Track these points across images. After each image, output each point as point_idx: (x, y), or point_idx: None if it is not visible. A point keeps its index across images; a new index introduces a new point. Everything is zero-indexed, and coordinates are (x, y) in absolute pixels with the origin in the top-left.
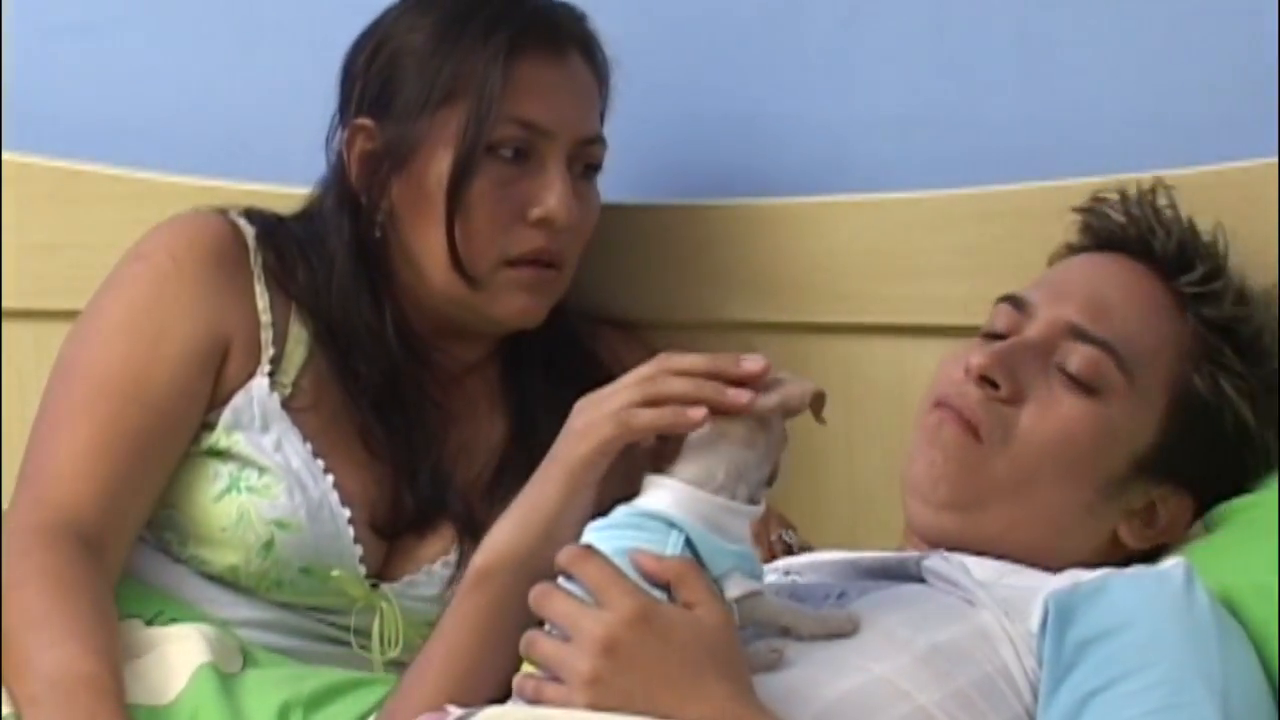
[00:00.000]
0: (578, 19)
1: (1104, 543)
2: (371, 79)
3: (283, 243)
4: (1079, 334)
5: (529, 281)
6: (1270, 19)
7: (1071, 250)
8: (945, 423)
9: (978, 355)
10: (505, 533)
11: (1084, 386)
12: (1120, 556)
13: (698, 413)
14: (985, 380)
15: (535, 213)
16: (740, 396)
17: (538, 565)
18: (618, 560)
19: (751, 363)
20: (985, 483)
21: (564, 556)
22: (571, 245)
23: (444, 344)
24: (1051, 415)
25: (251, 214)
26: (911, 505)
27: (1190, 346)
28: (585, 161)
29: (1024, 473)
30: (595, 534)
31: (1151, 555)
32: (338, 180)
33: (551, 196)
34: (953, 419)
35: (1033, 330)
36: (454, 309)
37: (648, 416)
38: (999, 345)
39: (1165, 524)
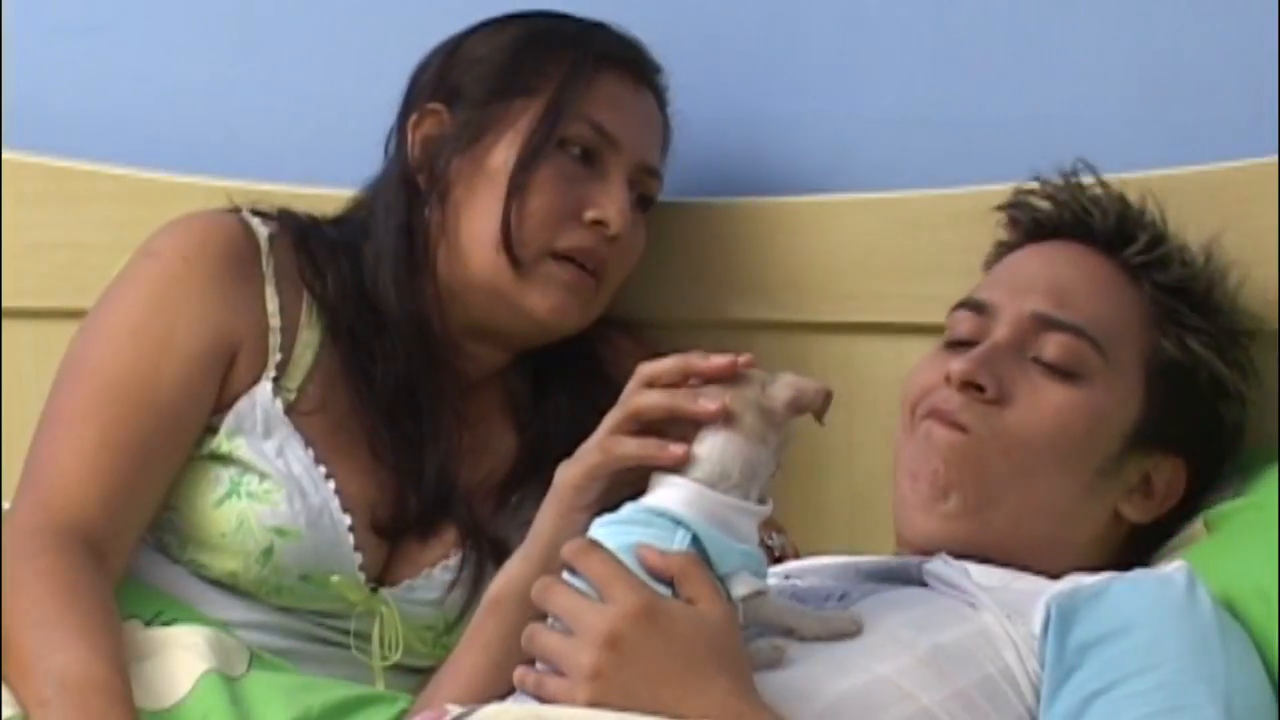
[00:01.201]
0: (658, 69)
1: (1108, 523)
2: (447, 73)
3: (315, 243)
4: (1049, 323)
5: (568, 280)
6: (1270, 19)
7: (1004, 248)
8: (935, 428)
9: (958, 362)
10: (514, 562)
11: (1064, 373)
12: (1126, 537)
13: (678, 449)
14: (969, 385)
15: (591, 214)
16: (709, 405)
17: None
18: (623, 556)
19: (720, 358)
20: (987, 482)
21: (568, 550)
22: (615, 263)
23: (469, 346)
24: (1039, 408)
25: (284, 214)
26: (915, 519)
27: (1151, 314)
28: (641, 191)
29: (1022, 467)
30: (601, 529)
31: (1154, 544)
32: (398, 166)
33: (610, 203)
34: (941, 423)
35: (1001, 331)
36: (487, 301)
37: (631, 447)
38: (976, 351)
39: (1163, 492)
